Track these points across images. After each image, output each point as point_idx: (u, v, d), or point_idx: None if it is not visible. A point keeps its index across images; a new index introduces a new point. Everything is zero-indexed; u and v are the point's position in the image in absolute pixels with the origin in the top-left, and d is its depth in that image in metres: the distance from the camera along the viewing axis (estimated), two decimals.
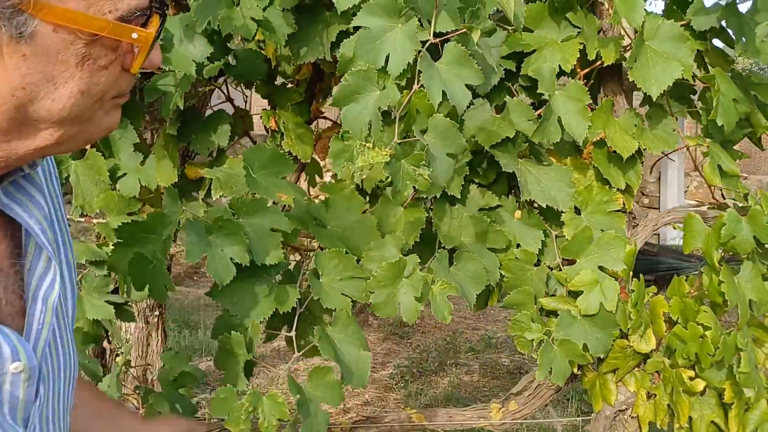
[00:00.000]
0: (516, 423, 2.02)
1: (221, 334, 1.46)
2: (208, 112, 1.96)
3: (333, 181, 1.72)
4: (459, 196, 1.64)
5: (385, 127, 1.39)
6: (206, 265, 1.44)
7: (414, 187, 1.37)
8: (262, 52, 1.87)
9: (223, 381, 1.45)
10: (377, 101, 1.34)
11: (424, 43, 1.39)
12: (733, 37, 1.64)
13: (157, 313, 3.14)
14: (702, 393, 1.65)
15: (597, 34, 1.72)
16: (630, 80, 1.66)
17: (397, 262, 1.55)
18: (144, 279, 1.47)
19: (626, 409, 1.77)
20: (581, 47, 1.66)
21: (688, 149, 1.75)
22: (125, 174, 1.79)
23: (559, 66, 1.64)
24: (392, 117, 1.42)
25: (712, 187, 1.79)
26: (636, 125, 1.71)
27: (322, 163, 2.20)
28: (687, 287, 1.68)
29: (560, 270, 1.72)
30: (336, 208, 1.63)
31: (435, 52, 1.42)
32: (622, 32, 1.72)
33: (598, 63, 1.69)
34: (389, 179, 1.57)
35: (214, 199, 1.91)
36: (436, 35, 1.41)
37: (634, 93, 1.88)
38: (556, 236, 1.75)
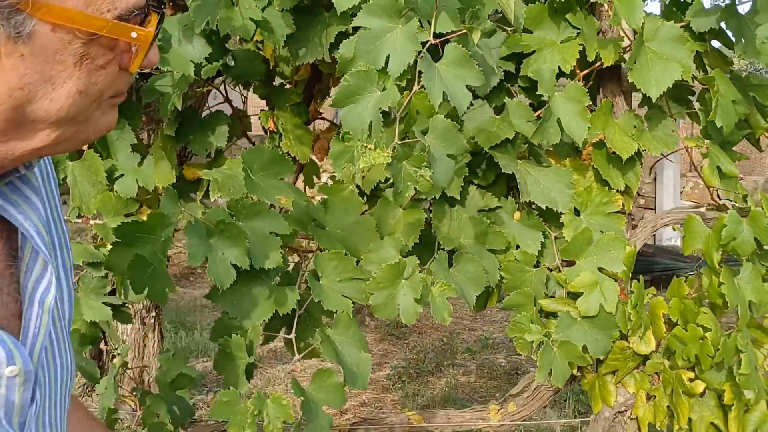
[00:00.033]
0: (514, 424, 2.02)
1: (221, 337, 1.45)
2: (205, 112, 1.96)
3: (331, 182, 1.72)
4: (458, 198, 1.64)
5: (384, 128, 1.38)
6: (207, 269, 1.43)
7: (415, 188, 1.36)
8: (261, 52, 1.86)
9: (224, 384, 1.45)
10: (378, 102, 1.33)
11: (424, 43, 1.39)
12: (733, 38, 1.64)
13: (153, 314, 3.13)
14: (701, 394, 1.65)
15: (596, 35, 1.72)
16: (629, 81, 1.65)
17: (396, 263, 1.54)
18: (143, 281, 1.47)
19: (625, 410, 1.77)
20: (581, 48, 1.66)
21: (687, 150, 1.75)
22: (123, 175, 1.79)
23: (559, 67, 1.64)
24: (392, 118, 1.42)
25: (711, 189, 1.80)
26: (635, 126, 1.71)
27: (319, 164, 2.20)
28: (686, 288, 1.68)
29: (560, 271, 1.72)
30: (335, 209, 1.63)
31: (435, 52, 1.41)
32: (621, 33, 1.72)
33: (598, 64, 1.69)
34: (388, 180, 1.57)
35: (212, 200, 1.90)
36: (436, 36, 1.41)
37: (633, 94, 1.88)
38: (556, 237, 1.74)
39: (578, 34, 1.68)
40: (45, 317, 0.70)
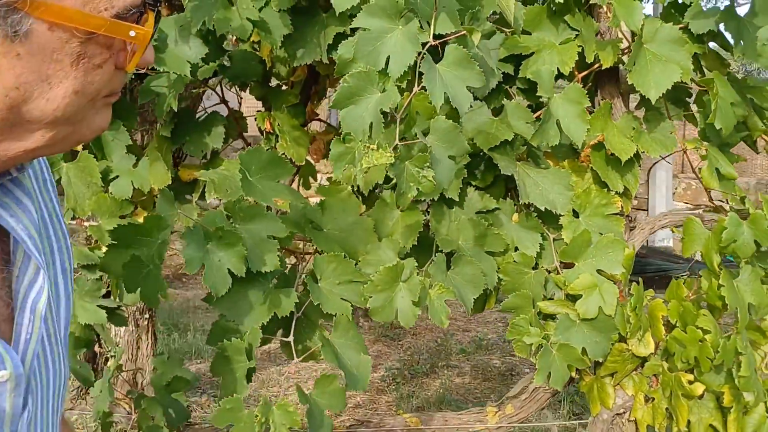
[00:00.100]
0: (512, 426, 2.01)
1: (219, 340, 1.44)
2: (200, 113, 1.94)
3: (327, 183, 1.71)
4: (457, 199, 1.63)
5: (384, 130, 1.37)
6: (203, 276, 1.41)
7: (417, 189, 1.36)
8: (257, 53, 1.85)
9: (221, 387, 1.43)
10: (378, 103, 1.33)
11: (423, 45, 1.38)
12: (731, 40, 1.64)
13: (147, 316, 3.11)
14: (700, 396, 1.65)
15: (595, 36, 1.71)
16: (628, 83, 1.65)
17: (394, 266, 1.53)
18: (137, 282, 1.45)
19: (624, 412, 1.77)
20: (579, 50, 1.65)
21: (685, 152, 1.75)
22: (117, 176, 1.77)
23: (557, 69, 1.64)
24: (388, 119, 1.41)
25: (708, 190, 1.80)
26: (634, 128, 1.71)
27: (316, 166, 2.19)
28: (685, 290, 1.68)
29: (558, 273, 1.72)
30: (332, 210, 1.61)
31: (435, 54, 1.40)
32: (620, 35, 1.72)
33: (596, 66, 1.69)
34: (387, 182, 1.56)
35: (208, 201, 1.88)
36: (435, 37, 1.40)
37: (630, 96, 1.88)
38: (554, 239, 1.74)
39: (577, 35, 1.68)
40: (37, 323, 0.69)
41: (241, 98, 2.11)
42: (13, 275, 0.69)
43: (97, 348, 2.92)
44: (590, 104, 1.66)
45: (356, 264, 1.56)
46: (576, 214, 1.72)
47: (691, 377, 1.64)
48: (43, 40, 0.60)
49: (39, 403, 0.70)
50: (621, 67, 1.76)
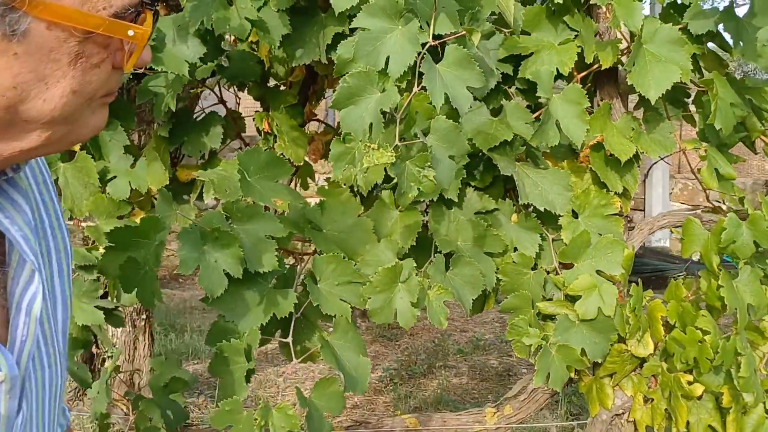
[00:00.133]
0: (510, 427, 2.01)
1: (217, 341, 1.43)
2: (197, 113, 1.94)
3: (327, 184, 1.70)
4: (456, 200, 1.63)
5: (383, 130, 1.37)
6: (198, 277, 1.40)
7: (418, 189, 1.35)
8: (255, 53, 1.84)
9: (219, 388, 1.43)
10: (378, 103, 1.32)
11: (423, 45, 1.38)
12: (731, 40, 1.64)
13: (144, 316, 3.10)
14: (699, 397, 1.65)
15: (594, 37, 1.71)
16: (627, 83, 1.65)
17: (393, 266, 1.53)
18: (134, 283, 1.45)
19: (623, 413, 1.77)
20: (579, 50, 1.65)
21: (684, 153, 1.75)
22: (115, 177, 1.76)
23: (557, 69, 1.64)
24: (387, 119, 1.40)
25: (706, 190, 1.80)
26: (633, 129, 1.70)
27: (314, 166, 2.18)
28: (684, 291, 1.68)
29: (557, 274, 1.72)
30: (332, 211, 1.61)
31: (434, 54, 1.40)
32: (619, 35, 1.71)
33: (596, 66, 1.69)
34: (386, 182, 1.55)
35: (205, 201, 1.88)
36: (434, 37, 1.39)
37: (629, 96, 1.88)
38: (554, 240, 1.74)
39: (576, 36, 1.67)
40: (32, 325, 0.68)
41: (239, 98, 2.10)
42: (9, 277, 0.68)
43: (94, 349, 2.91)
44: (590, 105, 1.66)
45: (355, 265, 1.56)
46: (575, 215, 1.72)
47: (690, 378, 1.64)
48: (41, 40, 0.60)
49: (34, 407, 0.70)
50: (620, 67, 1.76)
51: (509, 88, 1.72)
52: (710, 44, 1.77)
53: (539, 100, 1.67)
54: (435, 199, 1.63)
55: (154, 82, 1.69)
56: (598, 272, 1.67)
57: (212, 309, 1.47)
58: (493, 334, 5.19)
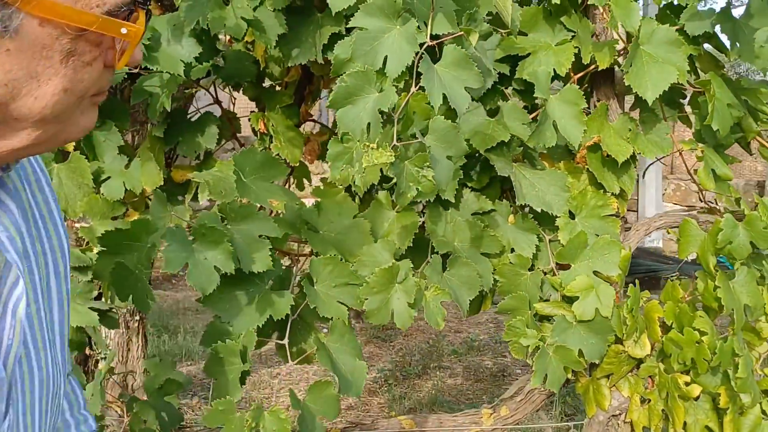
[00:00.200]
0: (507, 428, 2.00)
1: (213, 342, 1.42)
2: (192, 113, 1.92)
3: (322, 184, 1.69)
4: (453, 200, 1.62)
5: (381, 130, 1.36)
6: (187, 274, 1.38)
7: (417, 189, 1.35)
8: (251, 53, 1.83)
9: (214, 389, 1.42)
10: (376, 103, 1.32)
11: (420, 45, 1.37)
12: (727, 42, 1.65)
13: (137, 318, 3.08)
14: (696, 398, 1.65)
15: (591, 38, 1.71)
16: (624, 84, 1.65)
17: (390, 267, 1.52)
18: (127, 288, 1.43)
19: (620, 414, 1.76)
20: (576, 51, 1.65)
21: (681, 154, 1.75)
22: (109, 177, 1.75)
23: (554, 70, 1.63)
24: (384, 119, 1.40)
25: (700, 191, 1.80)
26: (630, 130, 1.70)
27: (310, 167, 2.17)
28: (681, 292, 1.68)
29: (554, 275, 1.71)
30: (328, 212, 1.60)
31: (432, 54, 1.40)
32: (616, 36, 1.71)
33: (593, 67, 1.69)
34: (383, 183, 1.54)
35: (200, 202, 1.87)
36: (432, 38, 1.39)
37: (625, 97, 1.88)
38: (550, 241, 1.74)
39: (573, 36, 1.67)
40: (18, 327, 0.67)
41: (234, 99, 2.09)
42: None
43: (87, 350, 2.89)
44: (587, 105, 1.66)
45: (352, 266, 1.55)
46: (572, 216, 1.72)
47: (687, 379, 1.64)
48: (34, 36, 0.59)
49: (20, 410, 0.68)
50: (617, 68, 1.76)
51: (506, 88, 1.71)
52: (706, 45, 1.78)
53: (536, 101, 1.67)
54: (432, 200, 1.62)
55: (149, 82, 1.67)
56: (595, 273, 1.67)
57: (206, 310, 1.46)
58: (488, 335, 5.20)
